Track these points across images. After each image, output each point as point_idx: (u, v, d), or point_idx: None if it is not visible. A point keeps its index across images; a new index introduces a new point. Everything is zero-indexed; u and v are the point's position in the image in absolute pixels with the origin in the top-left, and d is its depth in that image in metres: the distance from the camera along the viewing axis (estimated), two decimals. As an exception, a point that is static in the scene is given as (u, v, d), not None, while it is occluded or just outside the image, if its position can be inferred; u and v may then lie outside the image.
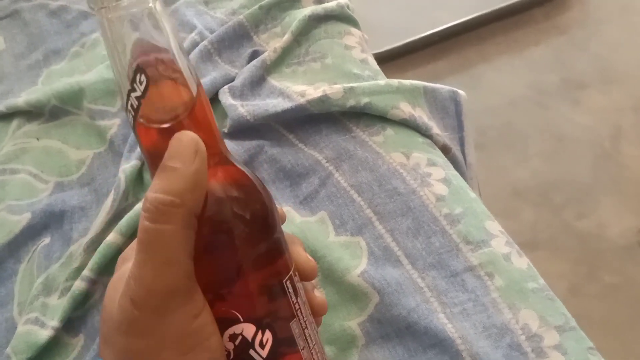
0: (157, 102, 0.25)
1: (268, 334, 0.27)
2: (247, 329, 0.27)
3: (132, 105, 0.25)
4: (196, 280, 0.25)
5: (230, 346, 0.27)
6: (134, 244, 0.27)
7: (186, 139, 0.24)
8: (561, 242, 1.13)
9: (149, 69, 0.25)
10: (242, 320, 0.26)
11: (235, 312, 0.26)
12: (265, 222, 0.28)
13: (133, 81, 0.24)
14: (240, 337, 0.27)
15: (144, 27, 0.24)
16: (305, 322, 0.29)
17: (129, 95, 0.25)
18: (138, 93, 0.24)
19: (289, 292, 0.28)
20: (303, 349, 0.29)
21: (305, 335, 0.29)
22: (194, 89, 0.26)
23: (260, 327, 0.27)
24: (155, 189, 0.24)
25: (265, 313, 0.27)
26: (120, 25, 0.24)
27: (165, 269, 0.24)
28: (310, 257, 0.32)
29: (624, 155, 1.23)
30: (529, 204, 1.18)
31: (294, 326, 0.28)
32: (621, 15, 1.44)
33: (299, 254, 0.31)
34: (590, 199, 1.17)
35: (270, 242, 0.28)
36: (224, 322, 0.27)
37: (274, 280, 0.28)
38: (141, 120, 0.25)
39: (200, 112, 0.26)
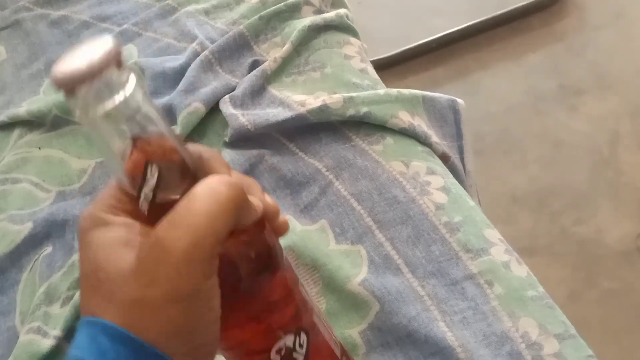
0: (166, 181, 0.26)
1: (303, 336, 0.31)
2: (288, 340, 0.31)
3: (146, 197, 0.25)
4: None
5: (277, 357, 0.31)
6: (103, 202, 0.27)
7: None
8: (559, 248, 1.13)
9: (153, 159, 0.25)
10: (283, 336, 0.31)
11: (278, 331, 0.31)
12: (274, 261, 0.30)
13: (143, 176, 0.25)
14: (284, 349, 0.30)
15: (127, 117, 0.24)
16: (315, 308, 0.34)
17: (140, 190, 0.25)
18: (152, 184, 0.25)
19: (304, 296, 0.33)
20: (324, 331, 0.34)
21: (320, 319, 0.34)
22: (188, 158, 0.26)
23: (297, 333, 0.31)
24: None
25: (299, 324, 0.32)
26: (101, 122, 0.23)
27: (211, 226, 0.25)
28: (269, 200, 0.31)
29: (621, 161, 1.23)
30: (527, 210, 1.19)
31: (314, 318, 0.33)
32: (617, 22, 1.45)
33: (261, 203, 0.30)
34: (588, 205, 1.18)
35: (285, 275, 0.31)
36: (268, 340, 0.30)
37: (296, 297, 0.32)
38: (156, 201, 0.26)
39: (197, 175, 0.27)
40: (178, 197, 0.25)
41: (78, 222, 0.27)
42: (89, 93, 0.23)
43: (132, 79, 0.24)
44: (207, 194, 0.25)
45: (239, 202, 0.26)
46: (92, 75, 0.22)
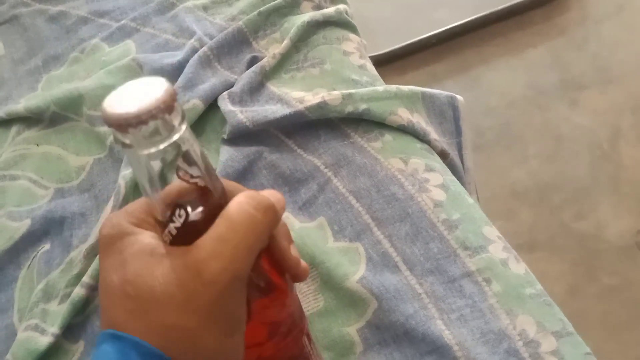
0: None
1: None
2: None
3: (170, 232, 0.26)
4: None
5: None
6: (126, 213, 0.28)
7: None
8: (560, 243, 1.13)
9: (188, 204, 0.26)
10: None
11: None
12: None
13: (172, 214, 0.26)
14: None
15: (172, 157, 0.25)
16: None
17: (166, 226, 0.26)
18: (177, 224, 0.26)
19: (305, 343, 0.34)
20: None
21: None
22: (221, 198, 0.27)
23: None
24: (262, 193, 0.27)
25: None
26: (147, 160, 0.24)
27: (249, 256, 0.26)
28: (300, 260, 0.31)
29: (622, 156, 1.23)
30: (527, 205, 1.18)
31: None
32: (619, 15, 1.45)
33: (288, 256, 0.30)
34: (588, 200, 1.17)
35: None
36: None
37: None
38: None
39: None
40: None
41: (100, 230, 0.28)
42: (139, 135, 0.23)
43: (182, 124, 0.24)
44: (245, 221, 0.26)
45: (273, 226, 0.28)
46: (145, 120, 0.22)
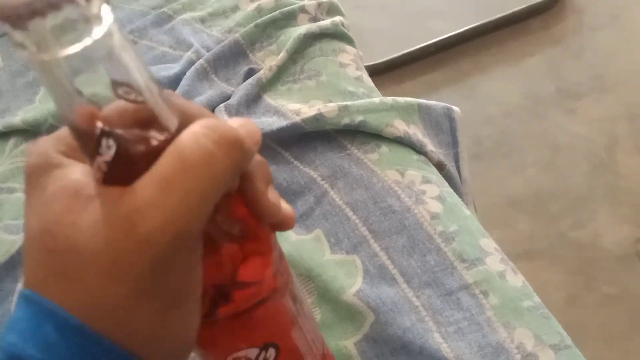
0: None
1: (271, 351, 0.26)
2: (251, 353, 0.25)
3: (99, 168, 0.20)
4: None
5: None
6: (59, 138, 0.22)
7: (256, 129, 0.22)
8: (558, 252, 1.13)
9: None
10: (244, 347, 0.25)
11: (238, 342, 0.25)
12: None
13: (97, 146, 0.19)
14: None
15: (94, 67, 0.18)
16: (304, 323, 0.29)
17: (94, 160, 0.20)
18: (107, 158, 0.20)
19: (289, 306, 0.27)
20: (305, 350, 0.29)
21: (305, 336, 0.28)
22: (172, 122, 0.21)
23: (264, 348, 0.26)
24: (225, 121, 0.21)
25: (266, 336, 0.26)
26: (60, 70, 0.18)
27: (202, 206, 0.19)
28: (280, 205, 0.25)
29: (619, 164, 1.23)
30: (525, 214, 1.19)
31: (295, 334, 0.27)
32: (615, 24, 1.45)
33: (265, 201, 0.24)
34: (586, 209, 1.18)
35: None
36: (223, 348, 0.26)
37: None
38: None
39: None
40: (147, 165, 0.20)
41: (26, 160, 0.22)
42: (46, 28, 0.17)
43: (107, 14, 0.18)
44: (199, 160, 0.19)
45: (240, 167, 0.21)
46: (52, 4, 0.16)
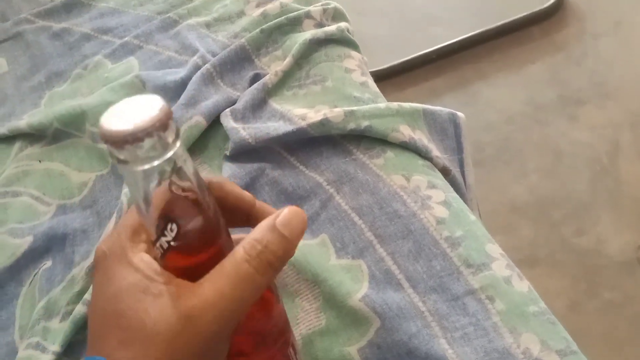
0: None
1: None
2: None
3: (161, 246, 0.27)
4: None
5: None
6: (118, 235, 0.29)
7: (303, 217, 0.29)
8: (560, 258, 1.13)
9: (177, 214, 0.27)
10: None
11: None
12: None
13: (164, 228, 0.27)
14: None
15: (165, 173, 0.25)
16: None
17: (158, 239, 0.27)
18: (169, 237, 0.27)
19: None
20: None
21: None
22: (212, 213, 0.28)
23: None
24: (265, 242, 0.28)
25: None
26: (142, 177, 0.25)
27: (242, 310, 0.27)
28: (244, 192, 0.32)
29: (622, 171, 1.23)
30: (527, 220, 1.19)
31: None
32: (617, 31, 1.46)
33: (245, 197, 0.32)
34: (588, 215, 1.18)
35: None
36: None
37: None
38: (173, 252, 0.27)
39: (212, 229, 0.28)
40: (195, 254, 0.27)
41: (97, 246, 0.29)
42: (134, 151, 0.23)
43: (177, 142, 0.24)
44: (243, 280, 0.27)
45: (271, 281, 0.29)
46: (141, 137, 0.23)
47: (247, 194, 0.32)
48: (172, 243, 0.27)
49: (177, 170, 0.25)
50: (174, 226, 0.26)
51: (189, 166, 0.26)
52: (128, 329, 0.26)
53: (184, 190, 0.26)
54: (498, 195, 1.22)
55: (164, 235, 0.26)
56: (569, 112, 1.33)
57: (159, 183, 0.25)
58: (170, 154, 0.24)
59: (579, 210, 1.18)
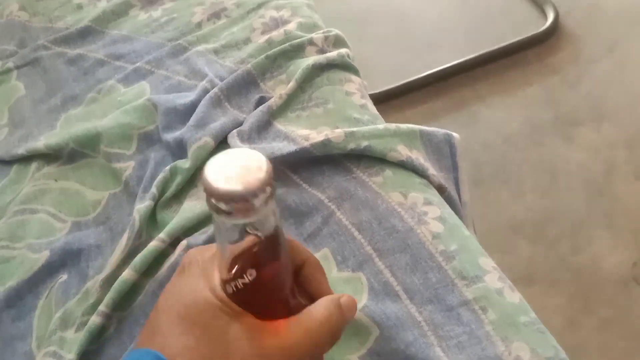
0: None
1: None
2: None
3: (236, 285, 0.29)
4: None
5: None
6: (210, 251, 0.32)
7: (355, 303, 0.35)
8: (557, 276, 1.15)
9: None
10: None
11: None
12: None
13: (243, 273, 0.29)
14: None
15: (253, 225, 0.27)
16: None
17: (234, 280, 0.29)
18: (246, 280, 0.29)
19: None
20: None
21: None
22: (285, 265, 0.31)
23: None
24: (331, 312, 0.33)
25: None
26: (235, 228, 0.27)
27: (322, 348, 0.32)
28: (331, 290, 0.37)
29: (617, 190, 1.26)
30: (524, 239, 1.21)
31: None
32: (611, 55, 1.50)
33: (322, 286, 0.36)
34: (584, 234, 1.20)
35: None
36: None
37: None
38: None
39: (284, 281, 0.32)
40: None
41: (189, 252, 0.33)
42: (234, 206, 0.25)
43: (271, 199, 0.26)
44: (328, 328, 0.32)
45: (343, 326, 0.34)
46: (247, 198, 0.25)
47: (304, 249, 0.36)
48: (246, 286, 0.29)
49: (263, 225, 0.27)
50: (253, 272, 0.29)
51: (276, 218, 0.28)
52: (199, 339, 0.29)
53: (266, 238, 0.28)
54: (496, 213, 1.25)
55: (242, 278, 0.29)
56: (565, 133, 1.36)
57: (247, 233, 0.27)
58: (264, 211, 0.26)
59: (575, 228, 1.21)
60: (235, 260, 0.29)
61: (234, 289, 0.29)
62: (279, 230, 0.29)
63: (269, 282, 0.30)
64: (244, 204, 0.25)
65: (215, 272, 0.31)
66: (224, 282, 0.30)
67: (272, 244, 0.29)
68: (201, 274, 0.31)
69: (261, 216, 0.26)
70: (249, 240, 0.28)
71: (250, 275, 0.28)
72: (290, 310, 0.32)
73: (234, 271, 0.29)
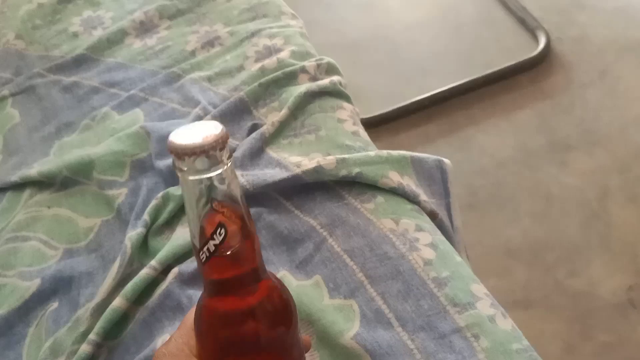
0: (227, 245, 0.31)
1: None
2: None
3: (208, 249, 0.31)
4: None
5: None
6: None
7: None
8: (554, 301, 1.15)
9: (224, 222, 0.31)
10: None
11: None
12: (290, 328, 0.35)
13: (213, 232, 0.30)
14: None
15: (217, 187, 0.29)
16: None
17: (207, 243, 0.31)
18: (217, 241, 0.31)
19: None
20: None
21: None
22: (252, 229, 0.32)
23: None
24: None
25: None
26: (197, 185, 0.29)
27: None
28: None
29: (611, 215, 1.26)
30: (520, 263, 1.21)
31: None
32: (603, 80, 1.51)
33: None
34: (580, 258, 1.20)
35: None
36: None
37: None
38: (215, 255, 0.31)
39: (253, 243, 0.32)
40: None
41: (157, 351, 0.34)
42: (195, 162, 0.28)
43: (229, 161, 0.29)
44: None
45: None
46: (203, 149, 0.28)
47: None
48: (217, 247, 0.30)
49: (225, 186, 0.29)
50: (222, 231, 0.30)
51: (235, 183, 0.30)
52: None
53: (230, 207, 0.30)
54: (491, 238, 1.25)
55: (212, 239, 0.30)
56: (559, 158, 1.37)
57: (210, 193, 0.29)
58: (220, 170, 0.28)
59: (571, 253, 1.21)
60: (204, 227, 0.30)
61: (206, 256, 0.30)
62: (243, 200, 0.31)
63: (239, 247, 0.31)
64: (204, 155, 0.28)
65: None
66: (197, 252, 0.31)
67: (236, 212, 0.30)
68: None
69: (222, 173, 0.28)
70: (216, 207, 0.30)
71: (219, 235, 0.30)
72: (260, 279, 0.33)
73: (201, 238, 0.30)
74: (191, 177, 0.28)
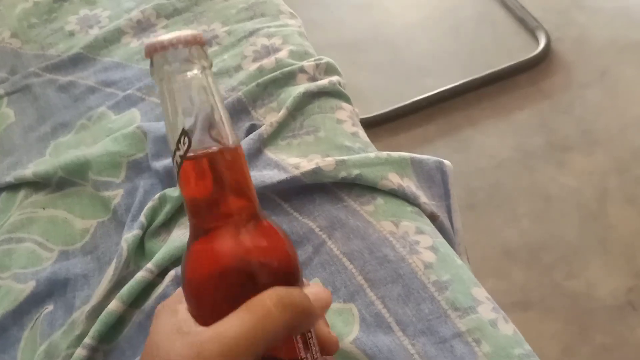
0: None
1: None
2: None
3: (179, 156, 0.30)
4: None
5: None
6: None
7: (327, 292, 0.33)
8: (552, 302, 1.14)
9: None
10: None
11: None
12: (289, 273, 0.32)
13: (180, 138, 0.29)
14: None
15: (194, 94, 0.29)
16: None
17: (177, 148, 0.30)
18: (181, 152, 0.29)
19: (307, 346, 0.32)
20: None
21: None
22: (232, 139, 0.31)
23: None
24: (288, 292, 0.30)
25: None
26: (176, 93, 0.29)
27: (249, 348, 0.28)
28: (331, 332, 0.34)
29: (610, 216, 1.26)
30: (519, 264, 1.20)
31: None
32: (602, 80, 1.51)
33: (321, 329, 0.34)
34: (579, 259, 1.19)
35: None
36: None
37: None
38: (187, 157, 0.30)
39: (237, 160, 0.31)
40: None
41: (158, 306, 0.33)
42: (168, 58, 0.28)
43: (208, 69, 0.29)
44: (256, 315, 0.28)
45: (295, 325, 0.30)
46: (183, 41, 0.28)
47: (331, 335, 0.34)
48: (182, 158, 0.29)
49: (200, 92, 0.29)
50: (186, 139, 0.29)
51: (213, 91, 0.29)
52: (159, 357, 0.29)
53: (201, 111, 0.29)
54: (489, 239, 1.24)
55: (178, 150, 0.29)
56: (557, 158, 1.37)
57: (184, 96, 0.28)
58: (197, 71, 0.28)
59: (569, 254, 1.20)
60: (184, 132, 0.29)
61: (178, 170, 0.29)
62: (219, 102, 0.30)
63: (218, 154, 0.29)
64: (182, 50, 0.28)
65: (182, 306, 0.31)
66: (174, 156, 0.30)
67: (214, 119, 0.29)
68: (169, 310, 0.32)
69: (194, 75, 0.28)
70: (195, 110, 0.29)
71: (184, 145, 0.29)
72: (245, 196, 0.31)
73: (176, 142, 0.29)
74: (165, 77, 0.28)
